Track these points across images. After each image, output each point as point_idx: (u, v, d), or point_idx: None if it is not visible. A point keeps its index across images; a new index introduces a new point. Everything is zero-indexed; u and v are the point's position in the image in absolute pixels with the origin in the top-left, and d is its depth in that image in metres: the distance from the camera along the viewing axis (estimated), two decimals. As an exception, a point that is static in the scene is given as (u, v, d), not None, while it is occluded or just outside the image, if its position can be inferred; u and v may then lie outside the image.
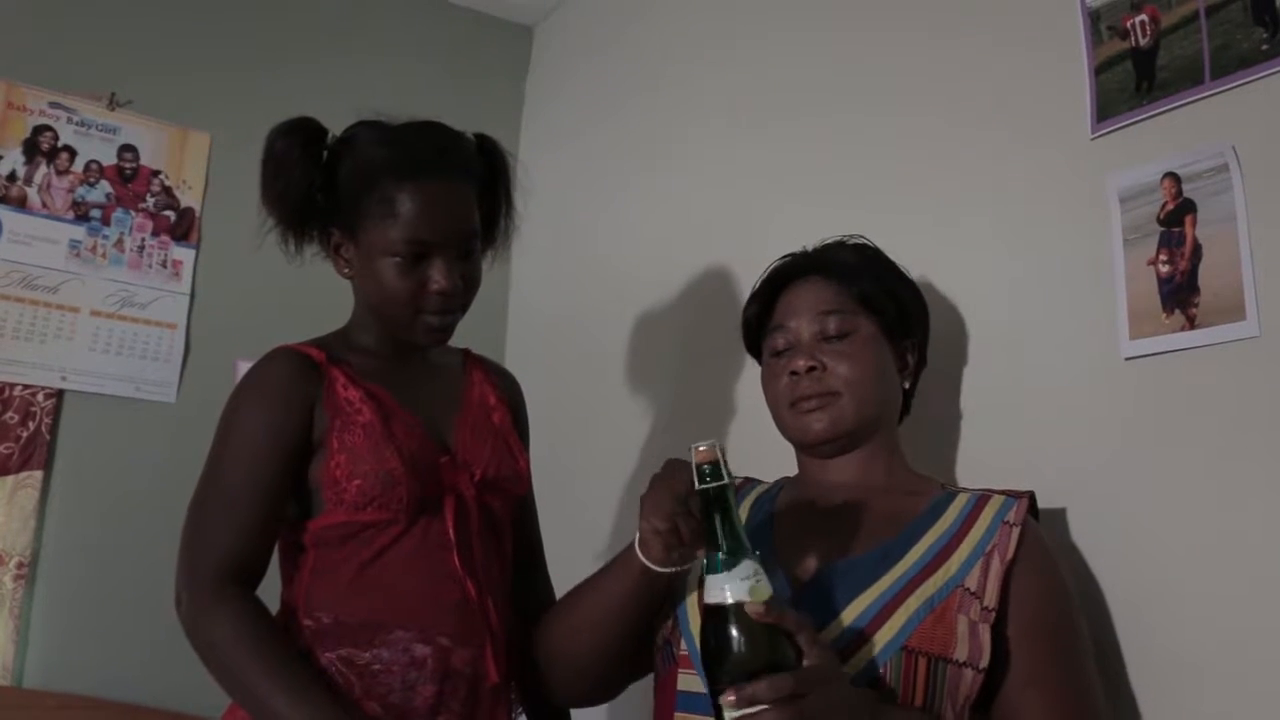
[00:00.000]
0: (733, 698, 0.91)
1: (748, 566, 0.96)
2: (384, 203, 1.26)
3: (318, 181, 1.30)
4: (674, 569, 1.11)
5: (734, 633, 0.94)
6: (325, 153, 1.32)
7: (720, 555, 0.97)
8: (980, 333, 1.43)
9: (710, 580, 0.96)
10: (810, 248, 1.35)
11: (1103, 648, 1.20)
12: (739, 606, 0.94)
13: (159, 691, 2.04)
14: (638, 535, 1.12)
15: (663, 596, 1.18)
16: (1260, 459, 1.10)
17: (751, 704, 0.91)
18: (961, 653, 1.07)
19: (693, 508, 1.04)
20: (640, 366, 2.12)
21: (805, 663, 0.96)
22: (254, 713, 1.18)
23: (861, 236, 1.35)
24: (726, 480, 0.98)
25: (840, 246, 1.33)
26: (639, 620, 1.20)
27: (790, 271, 1.31)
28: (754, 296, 1.34)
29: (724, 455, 0.99)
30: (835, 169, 1.72)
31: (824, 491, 1.25)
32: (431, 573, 1.26)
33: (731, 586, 0.95)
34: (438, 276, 1.27)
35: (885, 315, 1.26)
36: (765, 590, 0.96)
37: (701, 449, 0.99)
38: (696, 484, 0.99)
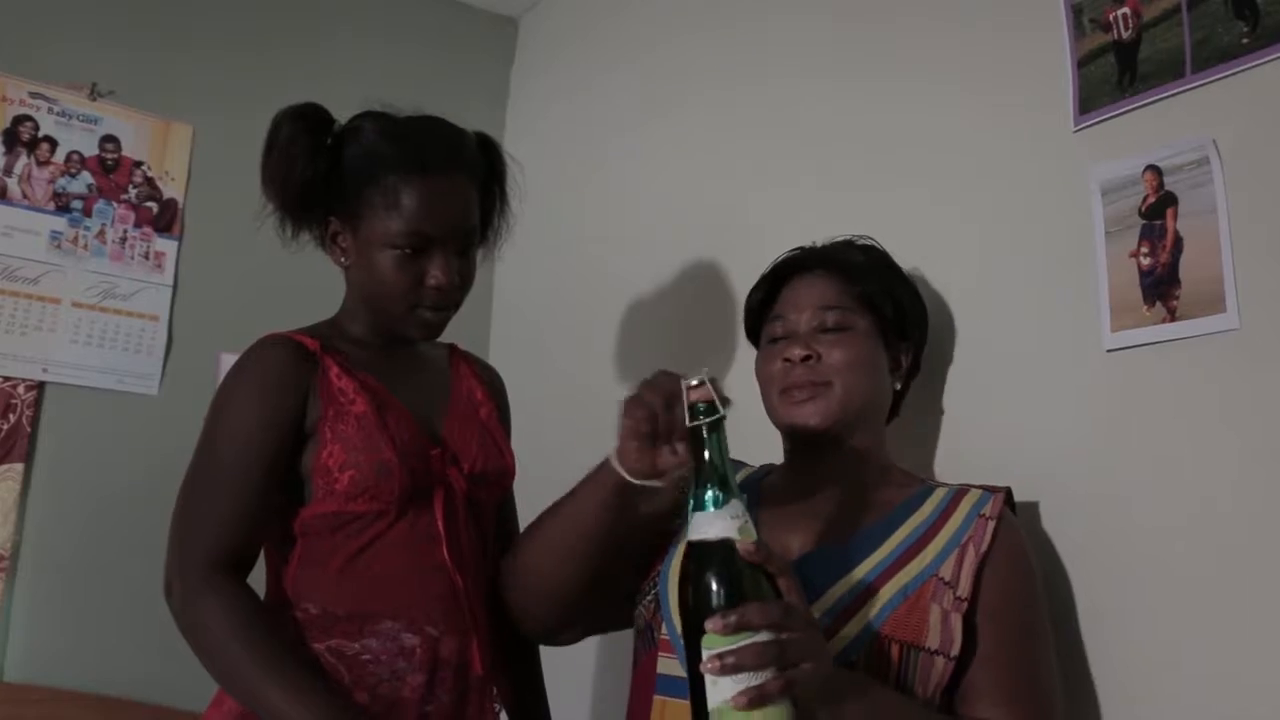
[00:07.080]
0: (721, 623, 0.88)
1: (736, 506, 0.94)
2: (388, 194, 1.25)
3: (321, 168, 1.29)
4: (649, 482, 1.06)
5: (723, 569, 0.91)
6: (330, 140, 1.31)
7: (710, 492, 0.94)
8: (962, 325, 1.43)
9: (698, 518, 0.94)
10: (819, 243, 1.36)
11: (1068, 639, 1.21)
12: (730, 543, 0.92)
13: (142, 685, 2.03)
14: (616, 445, 1.08)
15: (636, 525, 1.15)
16: (1239, 452, 1.11)
17: (740, 629, 0.88)
18: (933, 641, 1.09)
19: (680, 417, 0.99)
20: (627, 357, 2.12)
21: None
22: (247, 703, 1.17)
23: (869, 238, 1.36)
24: (721, 414, 0.95)
25: (849, 246, 1.35)
26: (609, 543, 1.16)
27: (797, 265, 1.33)
28: (759, 284, 1.36)
29: (717, 387, 0.96)
30: (818, 162, 1.72)
31: (808, 480, 1.26)
32: (419, 564, 1.26)
33: (722, 523, 0.93)
34: (436, 271, 1.27)
35: (883, 315, 1.27)
36: (752, 531, 0.94)
37: (695, 385, 0.96)
38: (688, 420, 0.96)
